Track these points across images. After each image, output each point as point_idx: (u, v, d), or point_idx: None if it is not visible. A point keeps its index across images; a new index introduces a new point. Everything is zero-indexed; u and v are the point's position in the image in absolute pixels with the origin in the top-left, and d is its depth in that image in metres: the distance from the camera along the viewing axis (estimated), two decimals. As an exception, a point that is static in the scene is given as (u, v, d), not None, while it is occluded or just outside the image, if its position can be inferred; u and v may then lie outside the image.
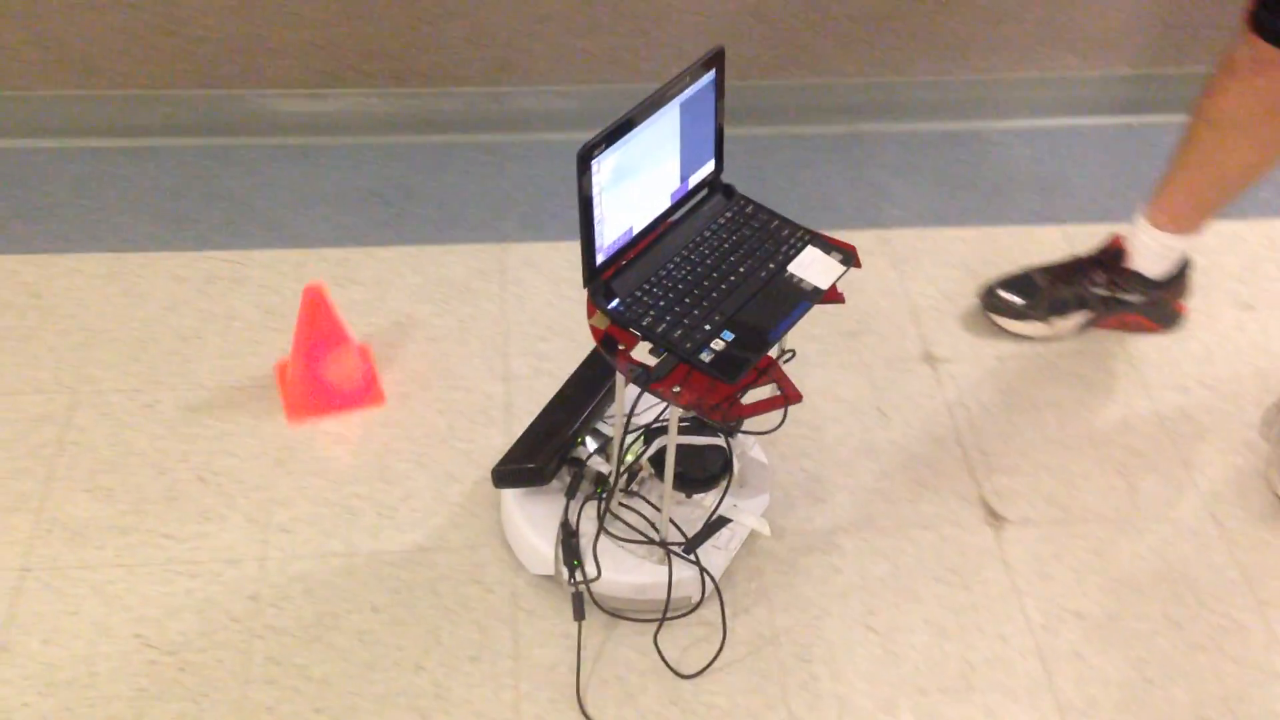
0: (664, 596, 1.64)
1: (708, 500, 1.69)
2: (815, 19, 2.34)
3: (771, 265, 1.49)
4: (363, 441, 1.85)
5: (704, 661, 1.63)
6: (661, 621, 1.66)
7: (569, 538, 1.65)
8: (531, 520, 1.68)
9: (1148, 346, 2.08)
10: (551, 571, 1.68)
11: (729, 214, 1.55)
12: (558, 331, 2.05)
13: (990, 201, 2.37)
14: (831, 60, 2.42)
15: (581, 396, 1.74)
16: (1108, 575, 1.74)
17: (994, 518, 1.81)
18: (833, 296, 1.50)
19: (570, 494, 1.68)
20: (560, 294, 2.12)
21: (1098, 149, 2.51)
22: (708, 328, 1.40)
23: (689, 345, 1.38)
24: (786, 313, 1.44)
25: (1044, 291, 2.05)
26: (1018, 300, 2.06)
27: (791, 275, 1.48)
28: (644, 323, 1.40)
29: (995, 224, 2.31)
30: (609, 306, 1.42)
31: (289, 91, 2.33)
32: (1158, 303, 2.06)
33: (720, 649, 1.64)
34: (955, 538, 1.78)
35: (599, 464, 1.69)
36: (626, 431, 1.71)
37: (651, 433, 1.70)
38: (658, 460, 1.66)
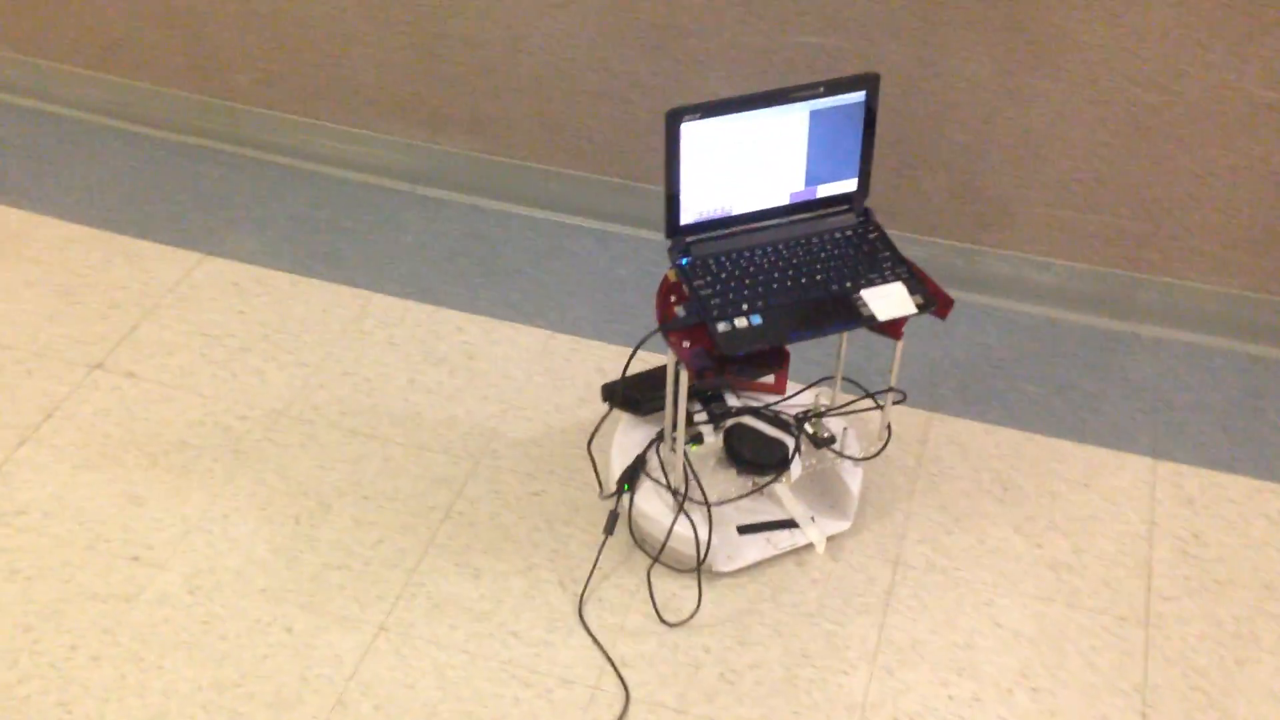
0: (680, 546, 1.75)
1: (786, 500, 1.81)
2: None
3: (848, 284, 1.57)
4: (732, 606, 1.74)
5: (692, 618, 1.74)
6: (654, 560, 1.78)
7: (635, 466, 1.76)
8: (621, 447, 1.81)
9: None
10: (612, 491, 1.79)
11: (849, 231, 1.64)
12: (964, 526, 1.84)
13: None
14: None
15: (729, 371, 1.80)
16: None
17: None
18: (888, 330, 1.58)
19: (660, 436, 1.80)
20: (981, 486, 1.90)
21: None
22: (745, 306, 1.54)
23: (715, 312, 1.53)
24: (824, 324, 1.54)
25: None
26: None
27: (860, 298, 1.56)
28: (696, 283, 1.56)
29: None
30: (678, 261, 1.58)
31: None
32: None
33: (696, 610, 1.74)
34: None
35: (700, 419, 1.77)
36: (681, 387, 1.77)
37: (736, 414, 1.78)
38: (729, 437, 1.75)
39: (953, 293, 2.25)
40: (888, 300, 1.55)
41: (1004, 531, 1.84)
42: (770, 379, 1.55)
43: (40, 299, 2.19)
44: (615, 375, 2.07)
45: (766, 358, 1.61)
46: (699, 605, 1.73)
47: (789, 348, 1.64)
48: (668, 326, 1.55)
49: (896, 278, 1.58)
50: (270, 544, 1.79)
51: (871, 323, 1.54)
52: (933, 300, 1.56)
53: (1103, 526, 1.85)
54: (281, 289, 2.24)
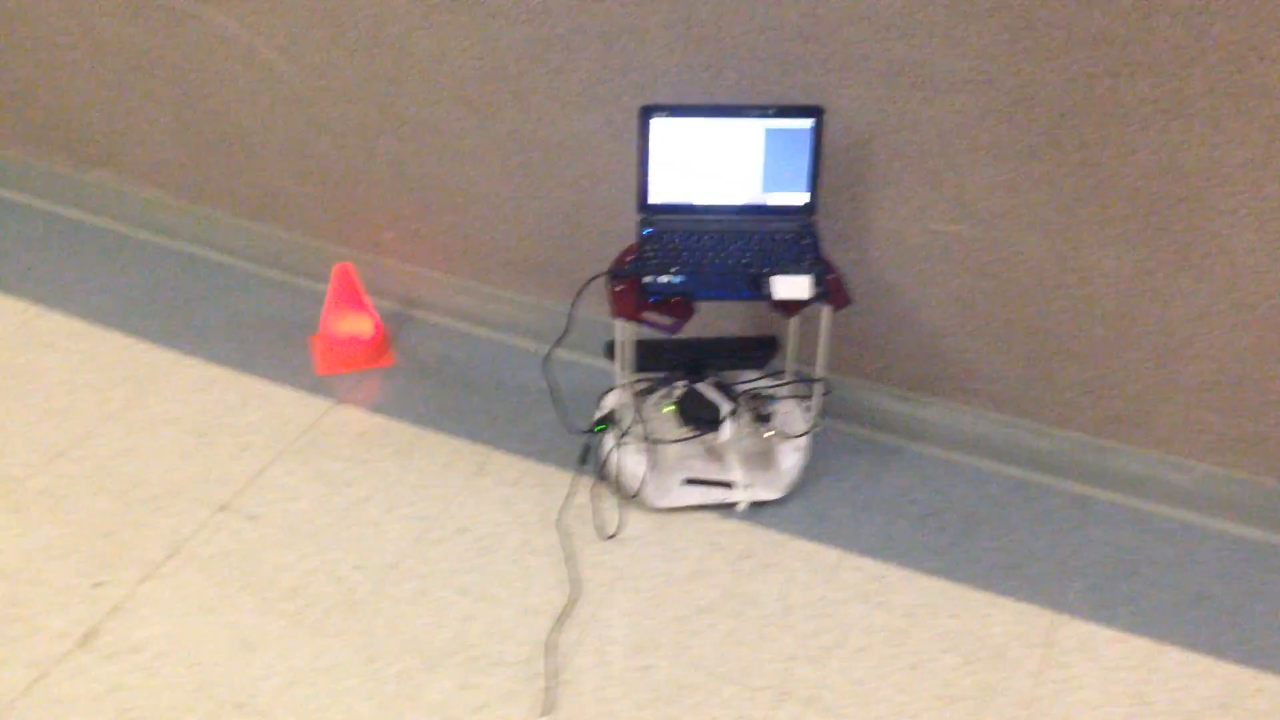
0: (630, 482, 2.12)
1: (730, 464, 2.15)
2: None
3: (766, 269, 1.90)
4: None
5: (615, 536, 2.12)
6: (596, 479, 2.19)
7: (610, 415, 2.18)
8: (611, 399, 2.21)
9: None
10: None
11: (788, 235, 1.96)
12: (1094, 743, 1.73)
13: None
14: None
15: (722, 359, 2.20)
16: None
17: None
18: (778, 307, 1.89)
19: (643, 396, 2.20)
20: (1110, 697, 1.80)
21: None
22: (674, 268, 1.90)
23: (648, 268, 1.91)
24: (729, 290, 1.87)
25: None
26: None
27: (770, 280, 1.88)
28: (647, 248, 1.94)
29: None
30: (642, 231, 1.97)
31: (884, 389, 2.27)
32: None
33: (614, 533, 2.10)
34: None
35: (677, 390, 2.16)
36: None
37: (689, 383, 2.16)
38: (680, 403, 2.13)
39: (1083, 489, 2.18)
40: (790, 285, 1.86)
41: (1134, 751, 1.73)
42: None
43: (176, 437, 2.27)
44: (731, 552, 2.04)
45: (678, 308, 1.89)
46: (619, 526, 2.10)
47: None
48: (610, 273, 1.98)
49: (809, 273, 1.89)
50: (373, 700, 1.78)
51: (769, 299, 1.86)
52: (825, 294, 1.88)
53: (1243, 754, 1.73)
54: (405, 440, 2.28)
